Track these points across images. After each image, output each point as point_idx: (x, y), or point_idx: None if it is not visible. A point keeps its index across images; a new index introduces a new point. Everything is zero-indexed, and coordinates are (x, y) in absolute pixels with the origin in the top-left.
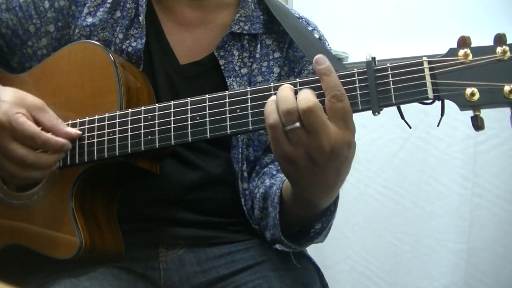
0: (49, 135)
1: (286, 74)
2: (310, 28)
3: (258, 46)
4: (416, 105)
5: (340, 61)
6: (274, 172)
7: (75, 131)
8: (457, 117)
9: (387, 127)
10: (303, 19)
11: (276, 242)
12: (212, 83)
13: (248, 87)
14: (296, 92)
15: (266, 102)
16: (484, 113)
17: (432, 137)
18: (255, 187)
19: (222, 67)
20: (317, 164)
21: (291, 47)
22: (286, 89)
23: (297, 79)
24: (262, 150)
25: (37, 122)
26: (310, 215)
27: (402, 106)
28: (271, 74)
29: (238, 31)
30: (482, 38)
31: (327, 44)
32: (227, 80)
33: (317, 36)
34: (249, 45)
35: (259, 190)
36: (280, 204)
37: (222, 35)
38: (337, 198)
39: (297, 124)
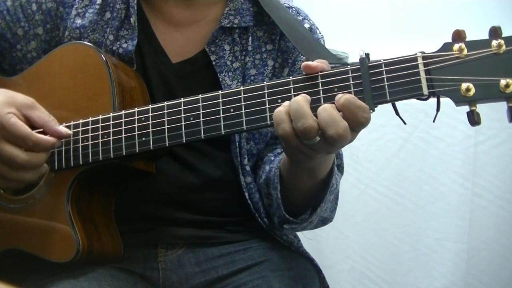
0: (40, 135)
1: (280, 66)
2: (300, 18)
3: (250, 38)
4: (415, 105)
5: (340, 61)
6: (272, 158)
7: (65, 130)
8: (457, 117)
9: (387, 127)
10: (293, 9)
11: (283, 223)
12: (206, 79)
13: (242, 87)
14: (310, 102)
15: (259, 101)
16: (484, 114)
17: (432, 137)
18: (259, 178)
19: (214, 63)
20: (331, 153)
21: (283, 38)
22: (301, 102)
23: (290, 77)
24: (264, 142)
25: (28, 121)
26: (312, 183)
27: (398, 104)
28: (265, 67)
29: (228, 25)
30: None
31: (318, 32)
32: (219, 76)
33: (307, 26)
34: (240, 38)
35: (261, 178)
36: (281, 182)
37: (213, 31)
38: (333, 165)
39: (317, 138)
